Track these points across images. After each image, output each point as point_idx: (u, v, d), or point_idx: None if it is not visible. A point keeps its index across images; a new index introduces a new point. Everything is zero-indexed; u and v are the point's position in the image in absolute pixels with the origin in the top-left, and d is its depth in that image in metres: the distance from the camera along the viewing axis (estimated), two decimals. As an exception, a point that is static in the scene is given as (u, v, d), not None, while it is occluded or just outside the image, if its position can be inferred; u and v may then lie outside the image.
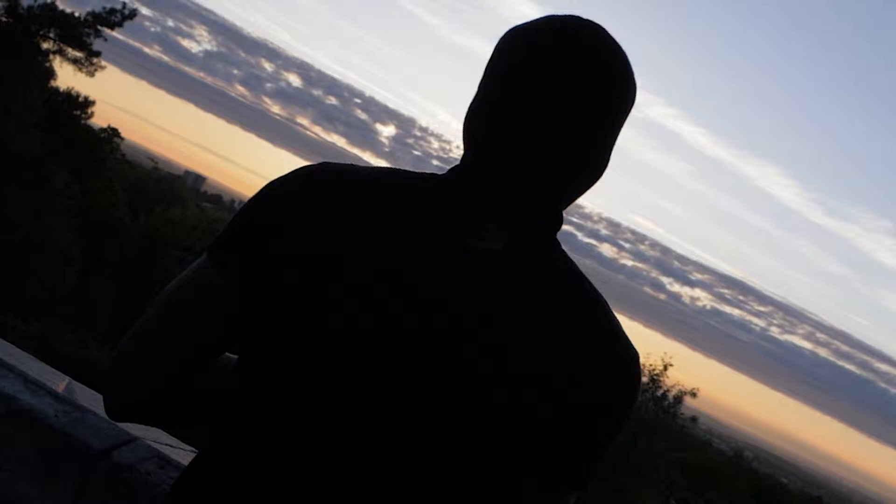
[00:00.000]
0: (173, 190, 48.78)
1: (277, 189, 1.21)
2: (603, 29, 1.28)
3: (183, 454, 2.41)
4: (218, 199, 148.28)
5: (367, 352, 1.11)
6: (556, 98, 1.22)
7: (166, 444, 2.44)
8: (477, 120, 1.28)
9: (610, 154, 1.30)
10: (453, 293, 1.12)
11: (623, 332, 1.20)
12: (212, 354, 1.24)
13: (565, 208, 1.29)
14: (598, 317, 1.18)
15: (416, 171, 1.28)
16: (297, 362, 1.13)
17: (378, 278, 1.12)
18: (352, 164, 1.24)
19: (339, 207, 1.16)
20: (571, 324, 1.15)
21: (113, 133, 36.80)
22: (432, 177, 1.25)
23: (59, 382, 2.63)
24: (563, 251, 1.23)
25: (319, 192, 1.18)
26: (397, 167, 1.26)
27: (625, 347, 1.19)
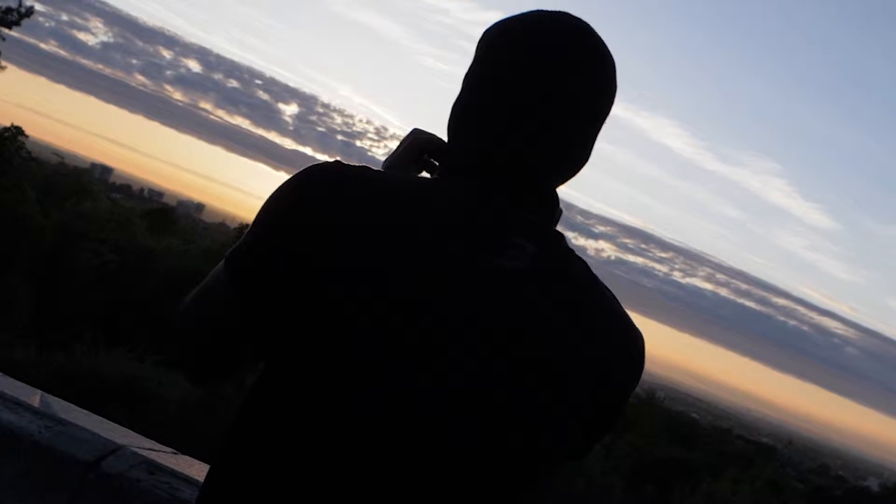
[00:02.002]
0: (81, 183, 47.51)
1: (296, 199, 1.16)
2: (591, 27, 1.26)
3: (166, 457, 2.40)
4: (127, 189, 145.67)
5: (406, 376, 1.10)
6: (551, 97, 1.21)
7: (150, 450, 2.43)
8: (466, 118, 1.26)
9: (593, 146, 1.30)
10: (487, 320, 1.12)
11: (633, 324, 1.25)
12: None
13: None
14: (611, 315, 1.23)
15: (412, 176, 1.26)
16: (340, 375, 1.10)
17: (416, 309, 1.10)
18: (366, 167, 1.19)
19: (366, 222, 1.12)
20: (594, 325, 1.19)
21: (17, 131, 35.89)
22: (442, 184, 1.23)
23: (33, 396, 2.60)
24: (568, 246, 1.23)
25: (340, 207, 1.13)
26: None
27: (637, 340, 1.25)
